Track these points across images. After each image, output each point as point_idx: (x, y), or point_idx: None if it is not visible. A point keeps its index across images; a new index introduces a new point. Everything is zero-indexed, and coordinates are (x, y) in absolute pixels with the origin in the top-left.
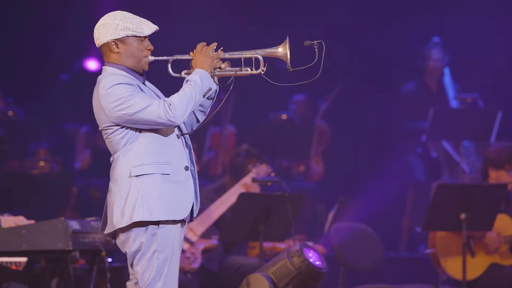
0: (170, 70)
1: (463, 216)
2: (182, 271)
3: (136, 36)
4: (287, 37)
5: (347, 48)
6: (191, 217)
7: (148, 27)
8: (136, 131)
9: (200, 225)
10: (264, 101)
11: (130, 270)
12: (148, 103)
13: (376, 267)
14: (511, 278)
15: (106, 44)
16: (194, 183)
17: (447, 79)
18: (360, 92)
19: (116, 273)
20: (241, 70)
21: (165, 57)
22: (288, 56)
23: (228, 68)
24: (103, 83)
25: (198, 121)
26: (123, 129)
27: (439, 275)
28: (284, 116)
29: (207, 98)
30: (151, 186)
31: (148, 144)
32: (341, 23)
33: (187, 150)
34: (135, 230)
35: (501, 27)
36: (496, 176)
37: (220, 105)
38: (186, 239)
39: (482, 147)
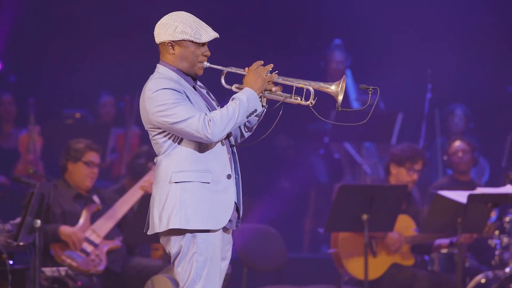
0: (223, 80)
1: (365, 216)
2: (88, 274)
3: (193, 42)
4: (344, 76)
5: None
6: (238, 222)
7: (207, 34)
8: (179, 136)
9: (103, 227)
10: None
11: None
12: (190, 115)
13: (279, 267)
14: (412, 277)
15: (163, 44)
16: (237, 191)
17: (349, 81)
18: None
19: (18, 275)
20: (290, 97)
21: (220, 67)
22: (341, 96)
23: (278, 92)
24: (150, 85)
25: (242, 135)
26: (166, 132)
27: (342, 275)
28: None
29: (254, 116)
30: (190, 193)
31: (190, 151)
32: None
33: (231, 158)
34: (174, 234)
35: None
36: (396, 173)
37: (268, 131)
38: (90, 241)
39: (383, 148)
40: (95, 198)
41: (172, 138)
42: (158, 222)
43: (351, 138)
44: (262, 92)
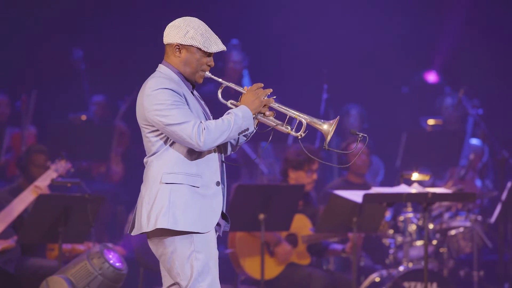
0: (219, 94)
1: (261, 216)
2: None
3: (201, 50)
4: (338, 117)
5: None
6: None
7: (216, 45)
8: None
9: None
10: (64, 102)
11: (163, 273)
12: (185, 119)
13: None
14: (308, 277)
15: (171, 45)
16: (223, 199)
17: (247, 81)
18: None
19: None
20: (282, 125)
21: (220, 80)
22: (329, 136)
23: (271, 118)
24: (151, 83)
25: (226, 151)
26: (160, 132)
27: (238, 274)
28: (83, 117)
29: (242, 136)
30: (179, 195)
31: (182, 153)
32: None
33: (221, 167)
34: (166, 235)
35: (301, 29)
36: (295, 176)
37: (258, 155)
38: None
39: (280, 148)
40: None
41: (165, 139)
42: (146, 221)
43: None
44: (255, 114)
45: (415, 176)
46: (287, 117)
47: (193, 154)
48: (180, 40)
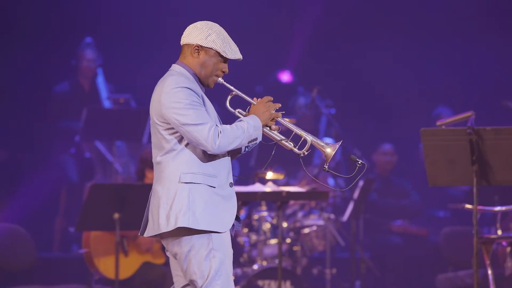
0: (228, 101)
1: (116, 215)
2: None
3: (219, 54)
4: (341, 141)
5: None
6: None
7: (234, 53)
8: None
9: None
10: None
11: (174, 273)
12: (203, 121)
13: (29, 268)
14: (163, 276)
15: (190, 46)
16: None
17: (100, 80)
18: None
19: None
20: (286, 141)
21: (232, 87)
22: (329, 159)
23: (276, 132)
24: (171, 81)
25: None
26: (175, 130)
27: (93, 274)
28: None
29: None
30: (198, 195)
31: (199, 154)
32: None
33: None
34: (183, 234)
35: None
36: (152, 176)
37: (264, 167)
38: None
39: (134, 147)
40: None
41: (180, 137)
42: (165, 221)
43: (102, 137)
44: (263, 126)
45: (270, 175)
46: (293, 133)
47: (209, 155)
48: (200, 41)
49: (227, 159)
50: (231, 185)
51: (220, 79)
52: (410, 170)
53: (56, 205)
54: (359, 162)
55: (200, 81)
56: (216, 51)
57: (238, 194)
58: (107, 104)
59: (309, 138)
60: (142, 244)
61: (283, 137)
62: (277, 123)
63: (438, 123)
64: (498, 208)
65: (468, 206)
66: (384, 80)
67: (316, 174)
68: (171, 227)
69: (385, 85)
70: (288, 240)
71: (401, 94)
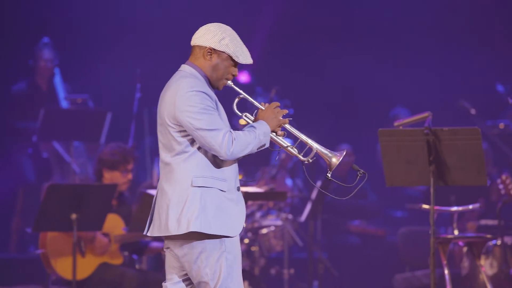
0: (235, 103)
1: (74, 216)
2: None
3: (231, 58)
4: (345, 151)
5: None
6: None
7: (245, 57)
8: None
9: None
10: None
11: (170, 270)
12: (217, 127)
13: None
14: (120, 276)
15: (202, 48)
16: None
17: (58, 79)
18: None
19: None
20: (292, 147)
21: (240, 91)
22: (333, 168)
23: (281, 138)
24: (186, 84)
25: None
26: (187, 133)
27: (50, 275)
28: None
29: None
30: (211, 199)
31: (210, 158)
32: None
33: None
34: (194, 237)
35: (119, 28)
36: (110, 177)
37: (272, 174)
38: None
39: (92, 148)
40: None
41: (192, 140)
42: (176, 225)
43: (60, 137)
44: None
45: None
46: (298, 140)
47: (220, 159)
48: (214, 45)
49: (235, 163)
50: (238, 189)
51: (230, 82)
52: (367, 170)
53: (13, 205)
54: (360, 172)
55: (210, 83)
56: (228, 55)
57: None
58: (64, 104)
59: (315, 145)
60: (98, 248)
61: (288, 144)
62: (283, 129)
63: (396, 123)
64: (454, 208)
65: (425, 206)
66: (342, 80)
67: (274, 174)
68: (182, 231)
69: (343, 85)
70: (246, 241)
71: (358, 95)
